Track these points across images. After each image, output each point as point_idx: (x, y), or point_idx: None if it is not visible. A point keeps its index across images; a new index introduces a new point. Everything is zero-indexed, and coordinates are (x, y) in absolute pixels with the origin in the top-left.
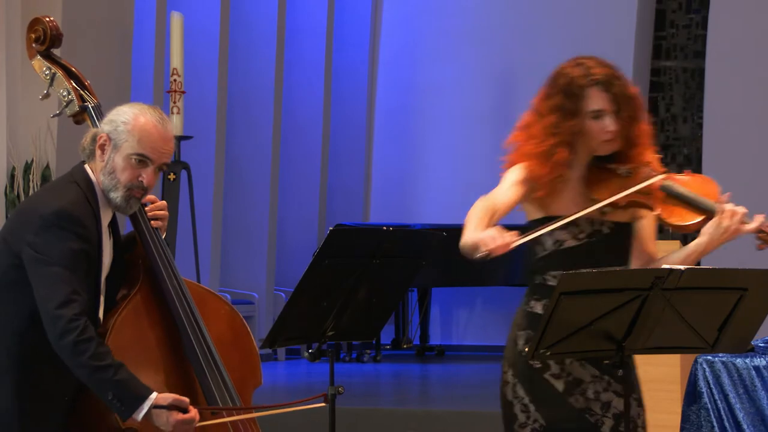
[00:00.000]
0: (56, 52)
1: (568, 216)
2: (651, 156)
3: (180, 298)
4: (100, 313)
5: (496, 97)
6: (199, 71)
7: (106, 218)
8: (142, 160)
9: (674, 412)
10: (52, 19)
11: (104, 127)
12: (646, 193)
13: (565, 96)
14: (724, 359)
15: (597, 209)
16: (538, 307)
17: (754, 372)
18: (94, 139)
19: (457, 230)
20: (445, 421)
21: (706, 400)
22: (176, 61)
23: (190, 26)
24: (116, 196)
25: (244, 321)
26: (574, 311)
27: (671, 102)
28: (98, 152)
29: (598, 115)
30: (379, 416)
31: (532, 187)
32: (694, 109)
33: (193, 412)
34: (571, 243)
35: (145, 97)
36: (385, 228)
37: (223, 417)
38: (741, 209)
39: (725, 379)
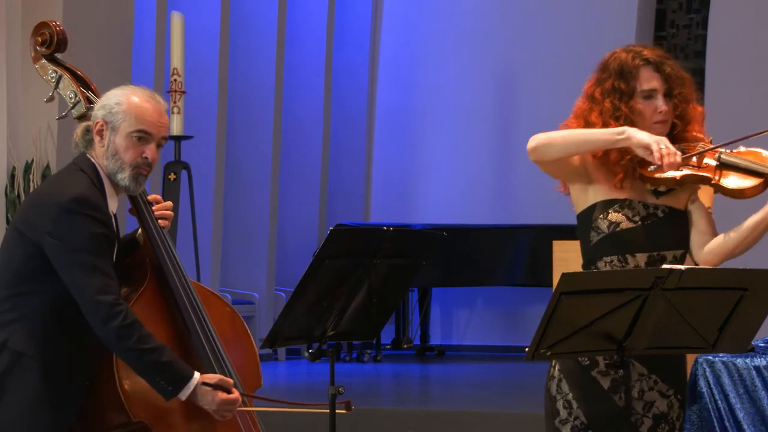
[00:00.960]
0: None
1: (669, 187)
2: (701, 135)
3: (188, 296)
4: None
5: (497, 97)
6: (199, 71)
7: (112, 206)
8: (143, 137)
9: None
10: (58, 23)
11: (97, 113)
12: (702, 166)
13: (618, 78)
14: (724, 359)
15: (683, 178)
16: None
17: (754, 372)
18: (86, 131)
19: (457, 230)
20: (445, 421)
21: (707, 400)
22: (176, 61)
23: (191, 26)
24: (123, 176)
25: (244, 322)
26: (574, 311)
27: None
28: (97, 138)
29: (650, 94)
30: (379, 416)
31: (592, 168)
32: None
33: (236, 394)
34: (626, 225)
35: None
36: (385, 228)
37: (244, 407)
38: None
39: (726, 379)
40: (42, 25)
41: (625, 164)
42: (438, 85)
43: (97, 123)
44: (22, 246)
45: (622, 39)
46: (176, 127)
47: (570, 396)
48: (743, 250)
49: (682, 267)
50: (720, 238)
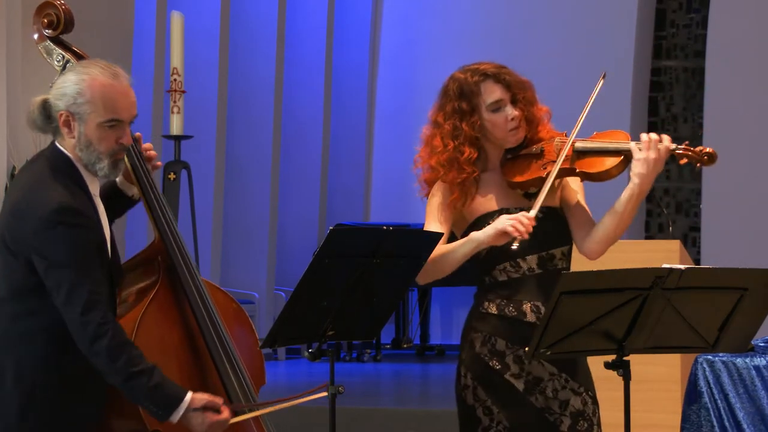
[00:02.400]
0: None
1: (538, 196)
2: (550, 131)
3: (201, 296)
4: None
5: None
6: (199, 71)
7: (94, 189)
8: (114, 124)
9: (674, 411)
10: (64, 2)
11: (59, 104)
12: (565, 160)
13: (459, 99)
14: (724, 359)
15: (550, 182)
16: (492, 308)
17: (754, 372)
18: (44, 108)
19: None
20: (445, 421)
21: (707, 399)
22: (176, 60)
23: (191, 26)
24: (102, 166)
25: (249, 320)
26: (574, 311)
27: (671, 102)
28: (64, 130)
29: (497, 106)
30: (379, 416)
31: (451, 201)
32: (695, 109)
33: (226, 412)
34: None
35: (146, 97)
36: (385, 228)
37: (245, 415)
38: (652, 134)
39: (725, 379)
40: (47, 5)
41: (467, 182)
42: (438, 86)
43: (61, 115)
44: (17, 262)
45: (622, 39)
46: (176, 127)
47: (489, 402)
48: (622, 230)
49: (682, 266)
50: (598, 226)
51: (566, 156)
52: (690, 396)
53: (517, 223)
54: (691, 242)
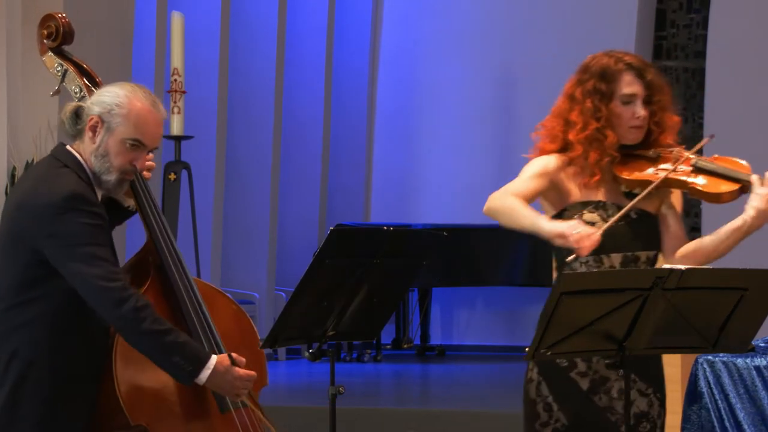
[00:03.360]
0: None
1: (631, 202)
2: (674, 143)
3: (191, 299)
4: None
5: (497, 97)
6: (199, 71)
7: (98, 197)
8: (136, 145)
9: (675, 412)
10: (64, 15)
11: (94, 108)
12: (677, 170)
13: (600, 79)
14: (724, 359)
15: (660, 182)
16: None
17: (754, 372)
18: (75, 115)
19: (457, 230)
20: (445, 421)
21: (707, 400)
22: (177, 61)
23: (191, 26)
24: (109, 179)
25: (251, 321)
26: (574, 311)
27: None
28: (88, 134)
29: (629, 99)
30: (379, 416)
31: (564, 175)
32: (695, 109)
33: (253, 371)
34: (601, 225)
35: None
36: (385, 228)
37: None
38: None
39: (726, 379)
40: (48, 18)
41: (604, 166)
42: (438, 86)
43: (91, 119)
44: (20, 255)
45: (622, 39)
46: (176, 127)
47: (550, 398)
48: (717, 256)
49: (682, 267)
50: (695, 243)
51: (681, 170)
52: (690, 396)
53: (584, 238)
54: None
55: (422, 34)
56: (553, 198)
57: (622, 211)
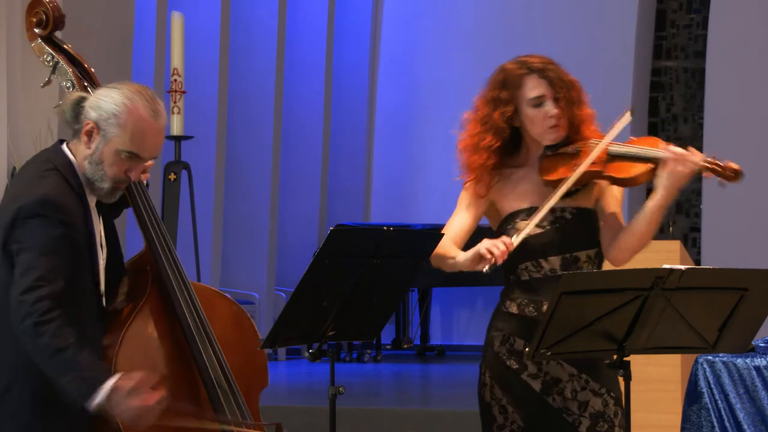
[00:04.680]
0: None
1: (545, 203)
2: (594, 132)
3: (190, 308)
4: (103, 298)
5: None
6: (199, 71)
7: (92, 200)
8: (132, 157)
9: (675, 412)
10: (52, 0)
11: (91, 113)
12: (596, 163)
13: (500, 87)
14: (724, 359)
15: (566, 189)
16: (513, 307)
17: (754, 372)
18: (77, 107)
19: None
20: (445, 421)
21: (707, 400)
22: (177, 61)
23: (191, 26)
24: (101, 186)
25: (252, 321)
26: (574, 311)
27: (672, 102)
28: (84, 138)
29: (538, 102)
30: (379, 416)
31: (474, 189)
32: (695, 109)
33: (157, 395)
34: (535, 231)
35: None
36: (385, 228)
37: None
38: (681, 149)
39: (726, 379)
40: (35, 3)
41: (488, 168)
42: (438, 85)
43: (87, 124)
44: (4, 257)
45: (622, 39)
46: (176, 127)
47: (504, 401)
48: (647, 239)
49: (683, 267)
50: (622, 234)
51: (599, 158)
52: (690, 396)
53: (493, 247)
54: (692, 243)
55: (422, 34)
56: (492, 216)
57: (537, 216)
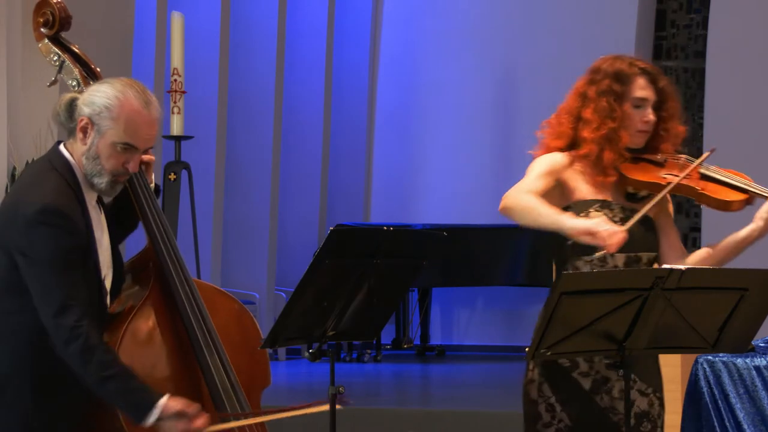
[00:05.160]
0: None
1: (645, 205)
2: (672, 150)
3: (192, 304)
4: (107, 297)
5: (497, 97)
6: (199, 71)
7: (91, 198)
8: (128, 148)
9: (675, 412)
10: (59, 0)
11: (84, 109)
12: (689, 177)
13: (614, 80)
14: (724, 359)
15: (665, 193)
16: None
17: (754, 372)
18: (70, 107)
19: (457, 230)
20: (445, 421)
21: (707, 400)
22: (177, 61)
23: (191, 26)
24: (101, 181)
25: (254, 320)
26: (575, 311)
27: None
28: (79, 135)
29: (640, 104)
30: (379, 416)
31: (573, 172)
32: (695, 109)
33: (201, 421)
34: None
35: None
36: (385, 228)
37: (230, 423)
38: None
39: (726, 379)
40: (43, 4)
41: (618, 167)
42: (438, 85)
43: (81, 120)
44: (4, 259)
45: (622, 39)
46: (176, 127)
47: (553, 399)
48: (720, 265)
49: (683, 267)
50: (701, 254)
51: (691, 175)
52: (690, 396)
53: (612, 235)
54: (692, 243)
55: (422, 34)
56: (555, 195)
57: (642, 211)
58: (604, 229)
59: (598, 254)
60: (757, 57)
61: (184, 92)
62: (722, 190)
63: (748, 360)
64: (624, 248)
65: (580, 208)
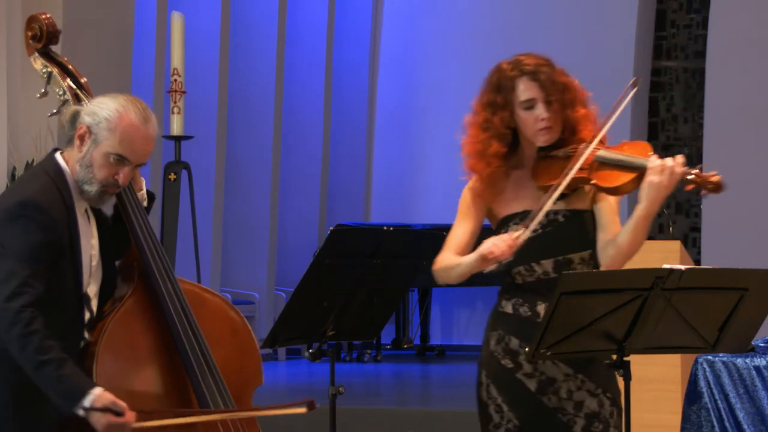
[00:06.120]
0: (55, 48)
1: (537, 209)
2: (591, 132)
3: (174, 301)
4: (93, 304)
5: None
6: (199, 71)
7: (81, 206)
8: (121, 160)
9: (675, 412)
10: (48, 16)
11: (85, 118)
12: (585, 168)
13: (495, 91)
14: (724, 359)
15: (557, 195)
16: (508, 307)
17: (754, 372)
18: (74, 119)
19: None
20: (445, 421)
21: (707, 400)
22: (177, 61)
23: (191, 26)
24: (90, 189)
25: (245, 319)
26: (574, 311)
27: (672, 102)
28: (77, 142)
29: (529, 105)
30: (379, 416)
31: (479, 193)
32: (695, 109)
33: (129, 416)
34: (527, 235)
35: (146, 97)
36: (385, 228)
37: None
38: (667, 160)
39: (726, 379)
40: (32, 19)
41: (494, 175)
42: (438, 85)
43: (80, 128)
44: None
45: (622, 39)
46: (176, 127)
47: (500, 400)
48: (636, 247)
49: (683, 267)
50: (612, 242)
51: (588, 164)
52: (690, 396)
53: (493, 247)
54: (692, 243)
55: (422, 34)
56: (491, 219)
57: (533, 222)
58: (487, 249)
59: (490, 268)
60: (757, 57)
61: (184, 92)
62: (613, 174)
63: (748, 360)
64: (551, 252)
65: (503, 226)
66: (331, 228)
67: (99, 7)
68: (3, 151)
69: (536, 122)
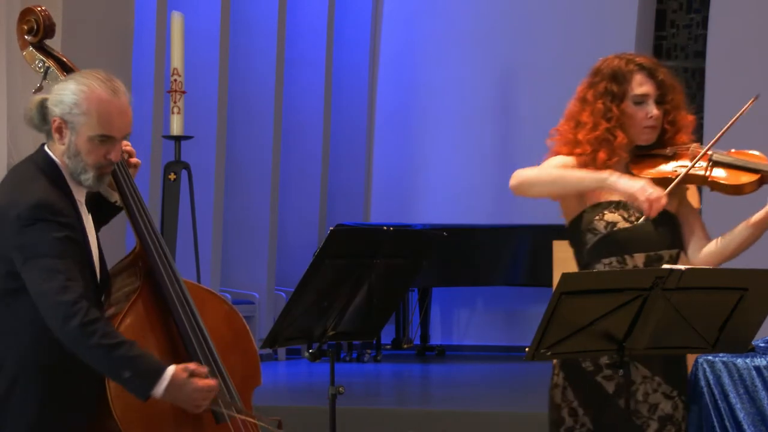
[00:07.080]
0: (54, 47)
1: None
2: (688, 140)
3: (182, 303)
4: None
5: (497, 97)
6: (199, 71)
7: (80, 196)
8: (105, 139)
9: None
10: (44, 8)
11: (54, 109)
12: (699, 167)
13: (611, 80)
14: (724, 359)
15: (673, 188)
16: None
17: (754, 372)
18: (42, 113)
19: (457, 230)
20: (445, 421)
21: (707, 400)
22: (177, 61)
23: (191, 26)
24: (87, 177)
25: (244, 320)
26: (574, 311)
27: None
28: (56, 136)
29: (641, 100)
30: (379, 416)
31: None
32: (695, 109)
33: (213, 381)
34: (623, 225)
35: (145, 97)
36: (385, 228)
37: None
38: None
39: (726, 379)
40: (27, 12)
41: (612, 166)
42: (438, 85)
43: (54, 121)
44: (0, 262)
45: (622, 39)
46: (176, 127)
47: (575, 403)
48: (740, 252)
49: (683, 267)
50: (717, 242)
51: (701, 163)
52: (690, 396)
53: (654, 201)
54: None
55: (422, 34)
56: (570, 201)
57: (669, 187)
58: (644, 197)
59: (641, 220)
60: (757, 57)
61: (184, 92)
62: (732, 173)
63: (748, 360)
64: (645, 247)
65: (593, 212)
66: (331, 228)
67: (99, 6)
68: (3, 151)
69: (645, 119)
